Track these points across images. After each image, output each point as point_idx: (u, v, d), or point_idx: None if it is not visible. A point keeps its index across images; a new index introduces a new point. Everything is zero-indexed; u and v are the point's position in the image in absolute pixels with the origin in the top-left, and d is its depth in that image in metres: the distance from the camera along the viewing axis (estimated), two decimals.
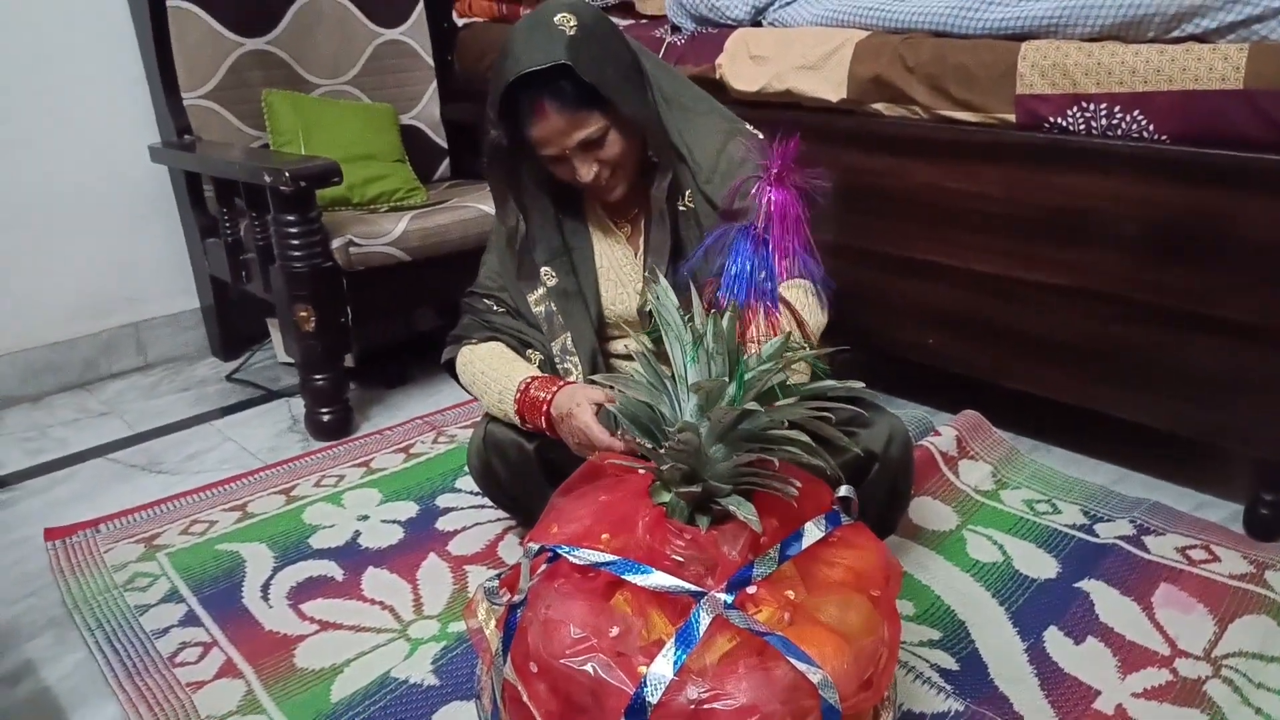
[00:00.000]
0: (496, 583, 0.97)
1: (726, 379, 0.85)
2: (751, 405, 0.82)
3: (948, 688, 1.16)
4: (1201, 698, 1.15)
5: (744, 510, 0.84)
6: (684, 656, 0.80)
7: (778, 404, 0.86)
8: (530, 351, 1.36)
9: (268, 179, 1.76)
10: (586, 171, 1.23)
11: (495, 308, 1.39)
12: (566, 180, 1.28)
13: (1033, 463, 1.74)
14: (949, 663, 1.22)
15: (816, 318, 1.24)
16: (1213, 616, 1.29)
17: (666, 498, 0.91)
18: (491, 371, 1.31)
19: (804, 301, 1.23)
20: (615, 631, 0.83)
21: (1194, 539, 1.46)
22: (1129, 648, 1.24)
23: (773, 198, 0.85)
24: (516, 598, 0.90)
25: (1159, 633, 1.27)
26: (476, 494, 1.60)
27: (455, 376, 1.40)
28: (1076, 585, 1.37)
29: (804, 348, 0.89)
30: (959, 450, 1.72)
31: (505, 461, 1.35)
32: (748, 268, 0.85)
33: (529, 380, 1.27)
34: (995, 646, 1.25)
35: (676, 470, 0.87)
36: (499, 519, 1.58)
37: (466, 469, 1.48)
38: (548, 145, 1.22)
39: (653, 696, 0.79)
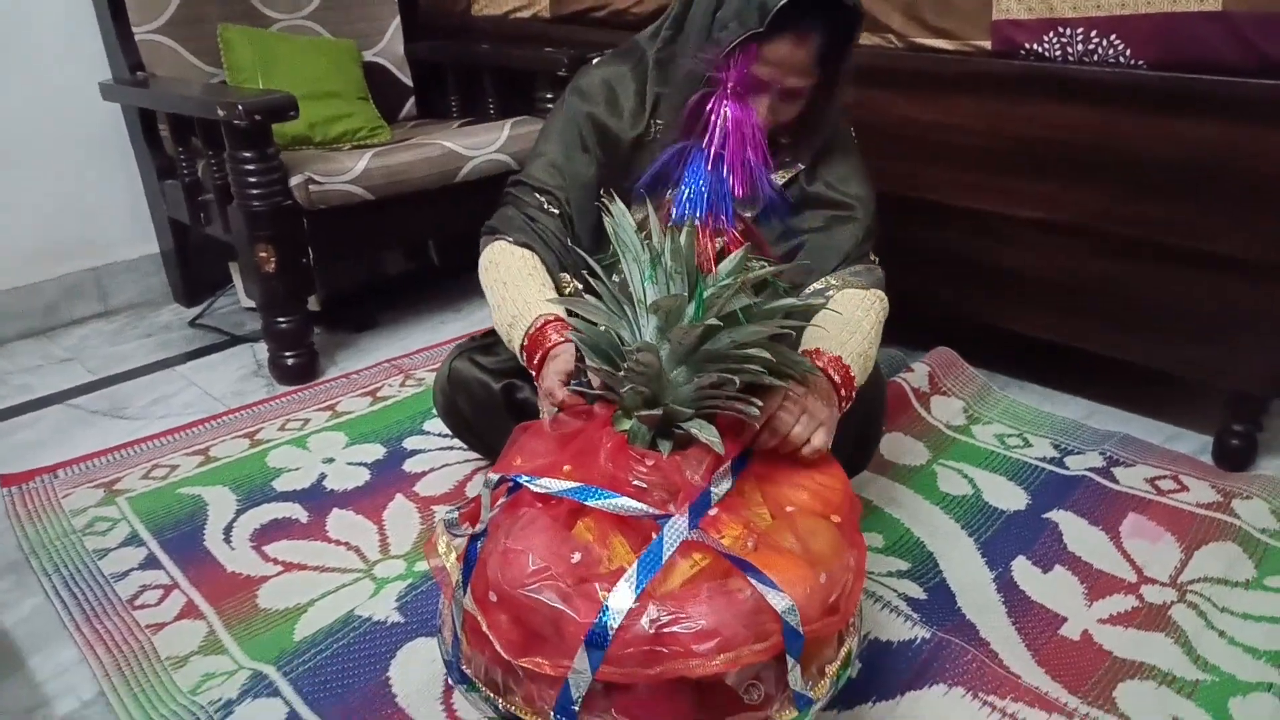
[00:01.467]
0: (456, 516, 0.95)
1: (686, 296, 0.82)
2: (713, 322, 0.79)
3: (915, 616, 1.16)
4: (1166, 621, 1.16)
5: (706, 433, 0.82)
6: (646, 582, 0.79)
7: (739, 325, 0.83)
8: (565, 275, 1.20)
9: (221, 113, 1.69)
10: (766, 113, 1.08)
11: (548, 206, 1.21)
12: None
13: (1005, 398, 1.73)
14: (916, 592, 1.22)
15: (873, 339, 1.15)
16: (1180, 544, 1.30)
17: (628, 425, 0.89)
18: (513, 289, 1.15)
19: (875, 320, 1.16)
20: (577, 558, 0.81)
21: (1163, 470, 1.47)
22: (1096, 575, 1.24)
23: (728, 113, 0.81)
24: (477, 529, 0.88)
25: (1126, 561, 1.27)
26: (445, 435, 1.57)
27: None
28: (1045, 516, 1.37)
29: (764, 266, 0.87)
30: (931, 386, 1.71)
31: (470, 399, 1.32)
32: (702, 187, 0.82)
33: (549, 319, 1.11)
34: (963, 576, 1.25)
35: (637, 394, 0.85)
36: (467, 459, 1.56)
37: (434, 409, 1.46)
38: (769, 68, 1.05)
39: (614, 622, 0.77)
